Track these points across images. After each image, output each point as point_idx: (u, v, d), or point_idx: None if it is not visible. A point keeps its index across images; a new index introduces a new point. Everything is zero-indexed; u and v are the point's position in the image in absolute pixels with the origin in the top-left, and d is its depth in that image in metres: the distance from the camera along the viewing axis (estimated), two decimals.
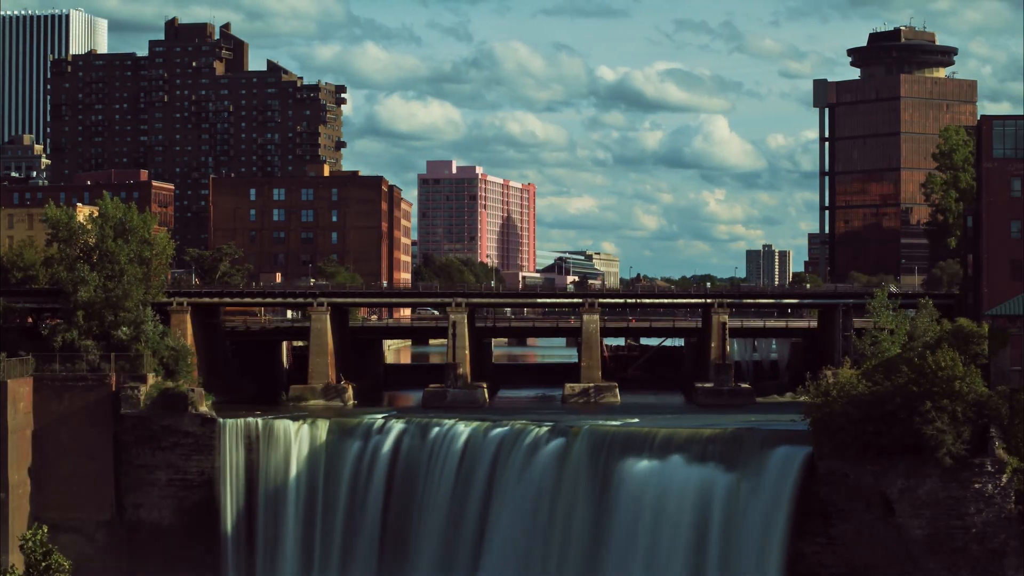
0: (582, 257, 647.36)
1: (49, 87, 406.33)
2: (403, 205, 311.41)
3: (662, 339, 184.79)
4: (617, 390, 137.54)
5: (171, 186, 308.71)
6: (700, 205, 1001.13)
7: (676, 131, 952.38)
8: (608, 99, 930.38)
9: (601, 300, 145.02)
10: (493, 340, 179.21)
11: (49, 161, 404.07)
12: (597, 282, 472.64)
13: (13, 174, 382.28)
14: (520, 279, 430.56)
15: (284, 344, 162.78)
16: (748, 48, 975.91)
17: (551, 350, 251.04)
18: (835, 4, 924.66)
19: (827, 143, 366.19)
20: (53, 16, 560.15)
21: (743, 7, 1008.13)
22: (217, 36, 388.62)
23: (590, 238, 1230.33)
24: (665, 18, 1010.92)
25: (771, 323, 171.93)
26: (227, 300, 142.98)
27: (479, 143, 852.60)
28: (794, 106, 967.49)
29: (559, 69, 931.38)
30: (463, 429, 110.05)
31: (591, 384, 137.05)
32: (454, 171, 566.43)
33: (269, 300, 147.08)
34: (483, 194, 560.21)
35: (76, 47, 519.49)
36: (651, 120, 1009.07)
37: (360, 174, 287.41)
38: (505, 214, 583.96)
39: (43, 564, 47.45)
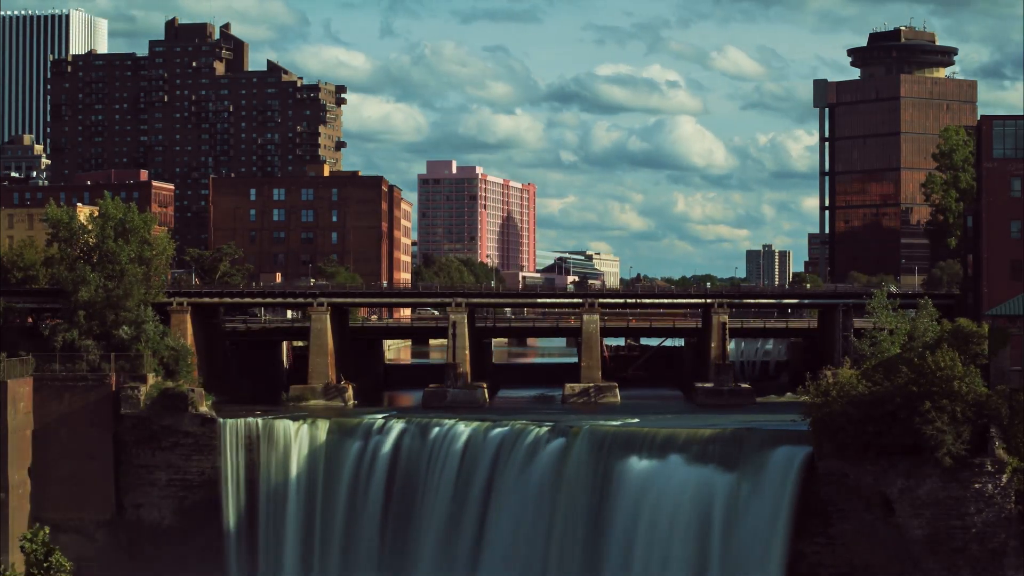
0: (582, 257, 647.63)
1: (49, 87, 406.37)
2: (403, 205, 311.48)
3: (662, 339, 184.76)
4: (617, 390, 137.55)
5: (171, 186, 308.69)
6: (672, 205, 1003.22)
7: (639, 131, 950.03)
8: (562, 100, 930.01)
9: (601, 300, 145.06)
10: (493, 340, 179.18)
11: (49, 161, 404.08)
12: (597, 282, 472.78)
13: (13, 174, 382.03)
14: (520, 279, 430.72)
15: (284, 344, 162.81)
16: (668, 49, 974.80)
17: (551, 350, 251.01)
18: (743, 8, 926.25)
19: (827, 143, 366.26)
20: (53, 16, 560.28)
21: (647, 8, 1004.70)
22: (217, 36, 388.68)
23: (573, 238, 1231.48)
24: (576, 22, 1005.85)
25: (771, 323, 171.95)
26: (227, 300, 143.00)
27: (441, 144, 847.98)
28: (752, 109, 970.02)
29: (505, 71, 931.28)
30: (463, 429, 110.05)
31: (591, 384, 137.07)
32: (454, 171, 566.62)
33: (269, 300, 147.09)
34: (483, 194, 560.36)
35: (76, 47, 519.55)
36: (610, 121, 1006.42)
37: (360, 174, 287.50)
38: (505, 214, 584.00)
39: (44, 564, 47.46)
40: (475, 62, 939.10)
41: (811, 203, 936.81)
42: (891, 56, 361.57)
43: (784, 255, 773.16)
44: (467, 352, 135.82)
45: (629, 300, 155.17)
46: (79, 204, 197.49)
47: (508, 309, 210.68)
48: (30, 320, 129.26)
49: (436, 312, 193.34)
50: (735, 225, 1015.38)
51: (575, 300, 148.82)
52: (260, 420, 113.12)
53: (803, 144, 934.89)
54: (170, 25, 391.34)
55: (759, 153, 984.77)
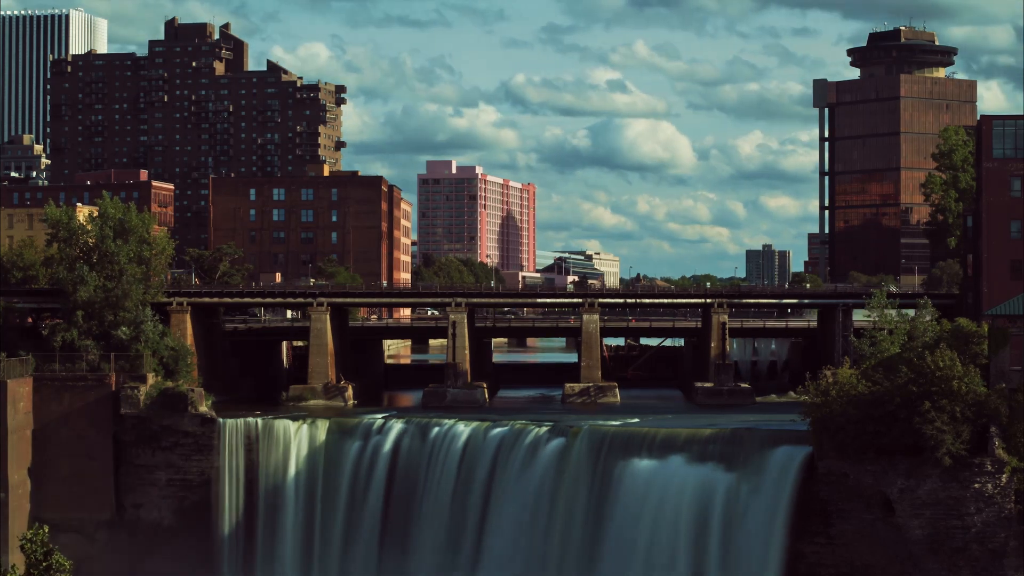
0: (582, 257, 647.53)
1: (49, 87, 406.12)
2: (403, 205, 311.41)
3: (662, 339, 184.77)
4: (617, 390, 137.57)
5: (171, 186, 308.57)
6: (641, 204, 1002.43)
7: (601, 131, 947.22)
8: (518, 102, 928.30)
9: (601, 300, 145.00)
10: (493, 340, 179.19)
11: (49, 161, 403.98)
12: (597, 282, 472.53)
13: (13, 174, 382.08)
14: (520, 279, 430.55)
15: (284, 344, 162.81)
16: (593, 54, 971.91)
17: (551, 350, 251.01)
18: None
19: (827, 143, 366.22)
20: (53, 16, 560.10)
21: (552, 8, 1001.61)
22: (217, 36, 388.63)
23: (559, 240, 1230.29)
24: (496, 29, 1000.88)
25: (771, 323, 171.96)
26: (227, 300, 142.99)
27: (406, 146, 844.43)
28: (705, 110, 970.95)
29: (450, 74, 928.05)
30: (463, 429, 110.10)
31: (591, 384, 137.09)
32: (454, 171, 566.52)
33: (269, 300, 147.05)
34: (483, 194, 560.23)
35: (76, 47, 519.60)
36: (571, 122, 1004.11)
37: (360, 174, 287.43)
38: (505, 214, 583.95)
39: (44, 564, 47.47)
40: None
41: (779, 202, 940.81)
42: (891, 56, 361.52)
43: (784, 255, 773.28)
44: (467, 352, 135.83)
45: (629, 300, 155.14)
46: (79, 204, 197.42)
47: (508, 309, 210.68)
48: (30, 320, 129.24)
49: (436, 312, 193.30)
50: (712, 224, 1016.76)
51: (575, 300, 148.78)
52: (260, 420, 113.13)
53: (754, 143, 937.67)
54: (170, 25, 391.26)
55: (723, 153, 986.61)
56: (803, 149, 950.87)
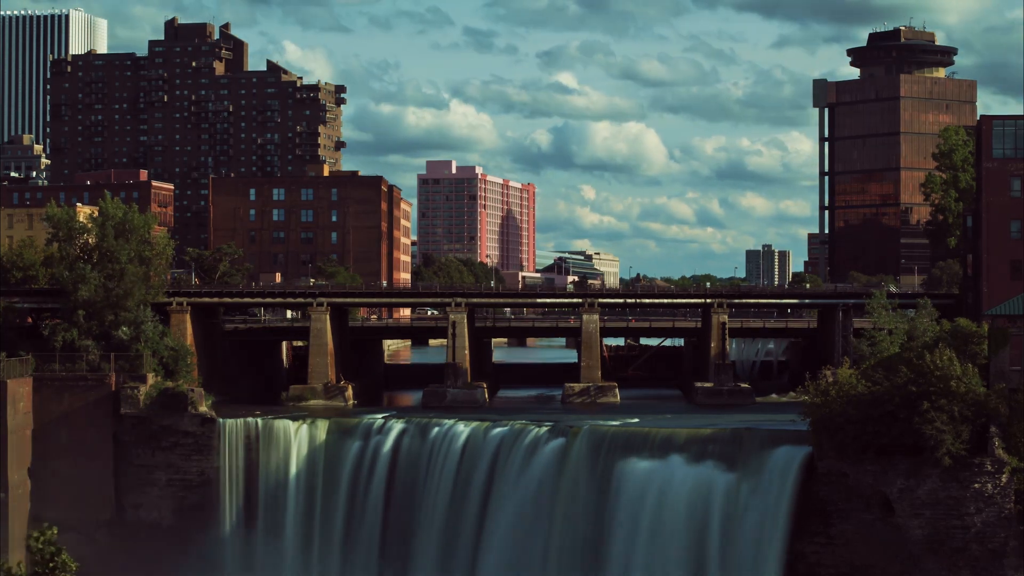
0: (582, 257, 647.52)
1: (49, 87, 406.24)
2: (403, 205, 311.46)
3: (662, 339, 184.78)
4: (617, 390, 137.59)
5: (171, 186, 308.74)
6: (616, 204, 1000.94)
7: (563, 132, 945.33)
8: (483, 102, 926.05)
9: (601, 300, 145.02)
10: (493, 340, 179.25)
11: (49, 161, 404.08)
12: (597, 282, 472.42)
13: (13, 174, 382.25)
14: (520, 279, 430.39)
15: (284, 344, 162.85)
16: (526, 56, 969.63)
17: (551, 350, 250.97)
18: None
19: (827, 143, 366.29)
20: (53, 16, 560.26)
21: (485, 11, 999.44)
22: (217, 36, 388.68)
23: (549, 240, 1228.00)
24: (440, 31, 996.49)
25: (771, 323, 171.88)
26: (227, 300, 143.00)
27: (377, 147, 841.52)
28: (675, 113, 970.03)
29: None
30: (463, 429, 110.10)
31: (591, 384, 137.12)
32: (454, 171, 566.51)
33: (269, 300, 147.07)
34: (483, 194, 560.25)
35: (76, 47, 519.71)
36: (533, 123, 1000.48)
37: (360, 174, 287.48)
38: (505, 214, 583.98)
39: (51, 564, 47.65)
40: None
41: (754, 202, 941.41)
42: (891, 56, 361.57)
43: (784, 255, 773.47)
44: (467, 352, 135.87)
45: (629, 300, 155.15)
46: (79, 204, 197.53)
47: (508, 309, 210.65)
48: (30, 320, 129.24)
49: (436, 312, 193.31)
50: (695, 225, 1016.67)
51: (575, 300, 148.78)
52: (260, 420, 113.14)
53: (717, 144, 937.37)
54: (170, 25, 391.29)
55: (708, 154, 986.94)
56: (768, 149, 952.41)
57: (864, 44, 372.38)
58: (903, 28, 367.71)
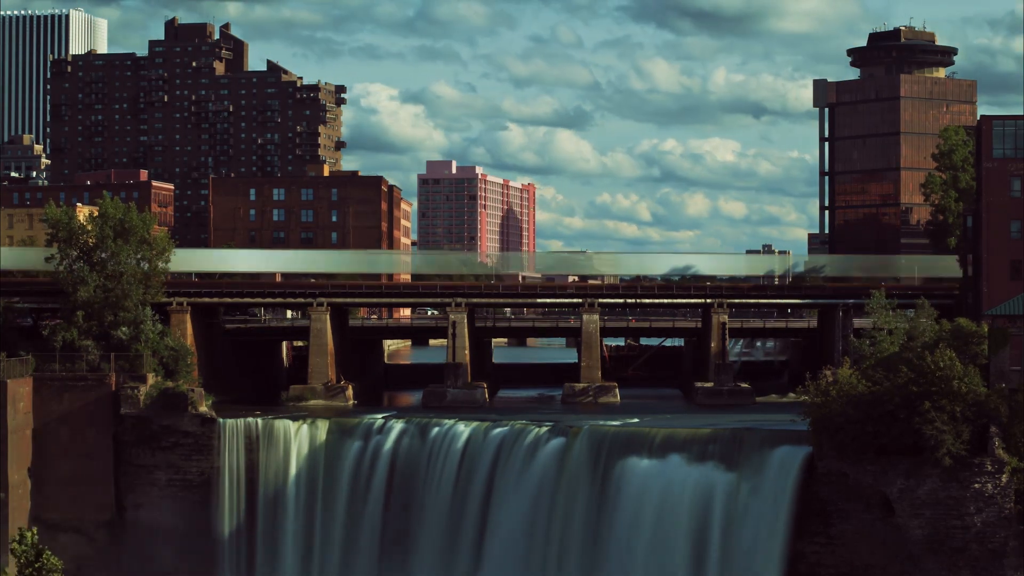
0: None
1: (49, 87, 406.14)
2: (403, 205, 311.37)
3: (662, 339, 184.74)
4: (617, 390, 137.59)
5: (171, 186, 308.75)
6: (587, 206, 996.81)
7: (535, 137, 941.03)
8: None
9: (601, 300, 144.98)
10: (493, 340, 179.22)
11: (49, 161, 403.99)
12: (597, 282, 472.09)
13: (13, 174, 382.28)
14: (520, 279, 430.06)
15: (284, 344, 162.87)
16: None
17: (551, 350, 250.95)
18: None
19: (827, 143, 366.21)
20: (53, 16, 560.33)
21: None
22: (217, 36, 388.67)
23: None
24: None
25: (771, 323, 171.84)
26: (227, 300, 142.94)
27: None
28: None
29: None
30: (463, 429, 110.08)
31: (591, 384, 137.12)
32: (454, 171, 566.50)
33: (269, 300, 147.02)
34: (483, 194, 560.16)
35: (76, 47, 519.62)
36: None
37: (360, 174, 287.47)
38: (505, 214, 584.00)
39: (36, 564, 47.83)
40: None
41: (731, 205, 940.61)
42: (891, 56, 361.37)
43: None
44: (467, 352, 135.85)
45: (629, 300, 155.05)
46: (79, 204, 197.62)
47: (508, 309, 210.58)
48: (30, 320, 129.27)
49: (436, 312, 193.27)
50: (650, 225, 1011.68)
51: (575, 300, 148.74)
52: (260, 420, 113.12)
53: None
54: (170, 25, 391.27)
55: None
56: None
57: (864, 44, 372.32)
58: (903, 28, 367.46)
